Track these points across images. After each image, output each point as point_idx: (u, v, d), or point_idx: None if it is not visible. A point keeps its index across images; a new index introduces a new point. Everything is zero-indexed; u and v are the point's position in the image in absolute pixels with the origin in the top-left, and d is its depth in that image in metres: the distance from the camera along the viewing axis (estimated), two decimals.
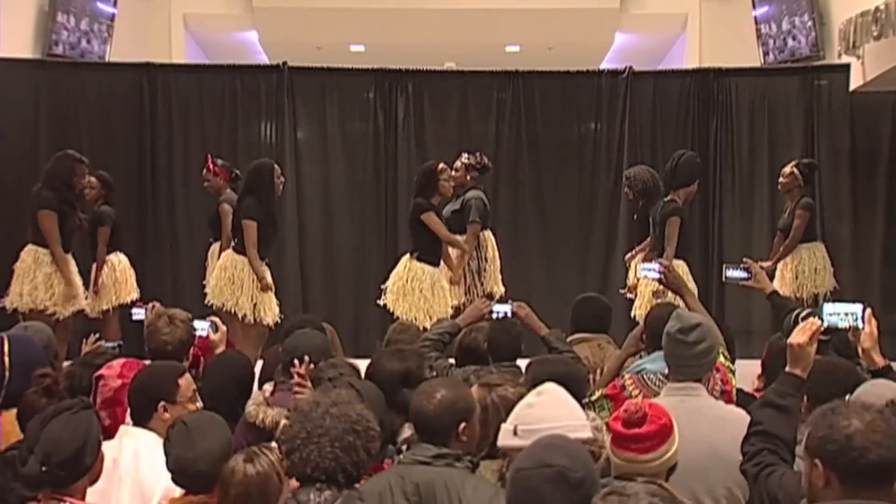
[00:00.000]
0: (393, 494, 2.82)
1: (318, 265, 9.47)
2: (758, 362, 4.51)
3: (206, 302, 6.81)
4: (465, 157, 7.57)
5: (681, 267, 6.79)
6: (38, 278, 6.80)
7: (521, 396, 3.12)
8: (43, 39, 9.24)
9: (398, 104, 9.56)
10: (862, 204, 9.17)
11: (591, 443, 2.80)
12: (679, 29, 11.67)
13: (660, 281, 4.58)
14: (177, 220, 9.32)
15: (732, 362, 4.04)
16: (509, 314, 4.67)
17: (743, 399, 3.91)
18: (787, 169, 7.92)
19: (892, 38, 7.71)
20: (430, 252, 7.04)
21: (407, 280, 6.97)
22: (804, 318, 3.37)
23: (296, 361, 3.87)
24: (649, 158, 9.09)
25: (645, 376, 3.83)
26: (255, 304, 6.77)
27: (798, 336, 3.03)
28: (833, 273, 7.97)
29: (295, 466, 2.56)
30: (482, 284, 7.52)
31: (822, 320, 3.22)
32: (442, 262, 7.21)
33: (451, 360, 4.64)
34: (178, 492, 3.01)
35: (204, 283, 7.57)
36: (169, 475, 3.00)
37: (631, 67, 9.67)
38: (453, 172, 7.38)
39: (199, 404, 3.50)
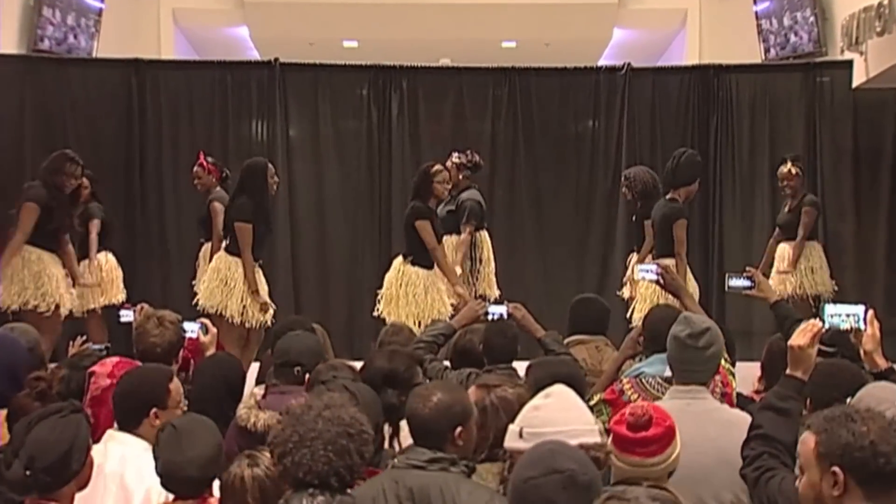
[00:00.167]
0: (387, 499, 2.82)
1: (310, 266, 9.47)
2: (758, 364, 4.54)
3: (196, 304, 6.82)
4: (455, 157, 7.59)
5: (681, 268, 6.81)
6: (25, 277, 6.79)
7: (520, 397, 3.13)
8: (28, 35, 9.21)
9: (392, 101, 9.56)
10: (865, 203, 9.19)
11: (598, 448, 2.79)
12: (678, 25, 11.69)
13: (658, 283, 4.59)
14: (166, 219, 9.31)
15: (733, 364, 4.05)
16: (505, 316, 4.68)
17: (742, 402, 3.92)
18: (786, 170, 7.95)
19: (895, 34, 7.74)
20: (424, 256, 7.03)
21: (401, 285, 6.97)
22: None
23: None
24: (648, 157, 9.11)
25: (644, 380, 3.83)
26: (244, 307, 6.78)
27: (799, 338, 3.03)
28: (830, 274, 8.01)
29: (287, 471, 2.55)
30: (475, 286, 7.54)
31: (824, 322, 3.22)
32: (436, 267, 7.22)
33: (447, 363, 4.65)
34: (157, 499, 3.00)
35: (193, 282, 7.58)
36: (153, 483, 2.99)
37: (629, 64, 9.69)
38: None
39: (185, 407, 3.49)
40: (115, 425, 3.39)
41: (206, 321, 4.82)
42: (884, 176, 9.21)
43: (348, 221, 9.53)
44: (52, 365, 4.45)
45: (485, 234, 7.77)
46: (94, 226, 7.64)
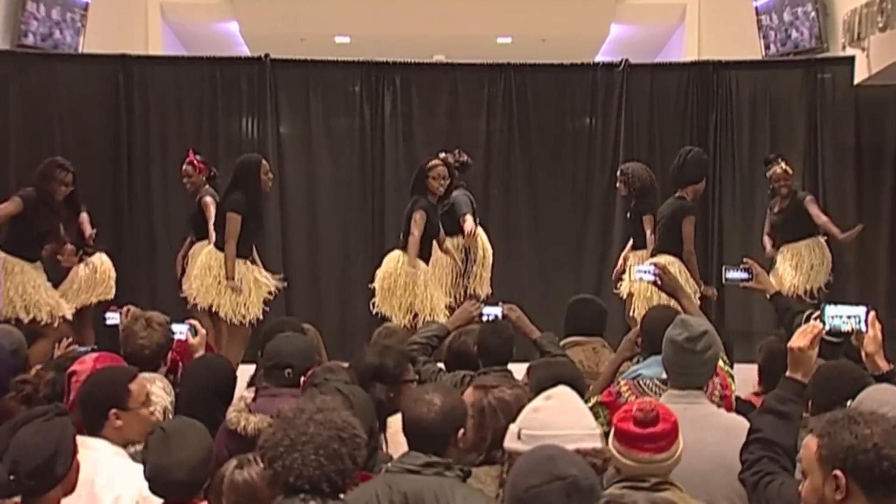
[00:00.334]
0: None
1: (302, 265, 9.45)
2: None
3: (190, 300, 6.82)
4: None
5: (674, 265, 6.83)
6: (10, 290, 6.76)
7: (518, 398, 3.14)
8: (12, 30, 9.15)
9: (385, 98, 9.56)
10: (867, 202, 9.19)
11: (595, 454, 2.78)
12: (677, 20, 11.70)
13: (655, 283, 4.60)
14: (154, 218, 9.29)
15: (731, 366, 4.05)
16: (500, 317, 4.68)
17: (741, 407, 3.92)
18: (780, 170, 8.02)
19: None
20: (423, 249, 7.04)
21: (399, 275, 6.96)
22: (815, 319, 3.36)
23: None
24: (646, 155, 9.12)
25: (641, 382, 3.84)
26: (237, 303, 6.79)
27: (798, 340, 3.04)
28: (831, 270, 8.08)
29: (277, 475, 2.55)
30: (467, 286, 7.54)
31: (824, 323, 3.22)
32: (432, 263, 7.22)
33: (441, 365, 4.65)
34: None
35: (182, 279, 7.56)
36: (123, 491, 2.98)
37: (627, 60, 9.70)
38: None
39: (154, 408, 3.48)
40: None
41: (195, 322, 4.81)
42: (886, 175, 9.22)
43: (340, 220, 9.52)
44: (38, 366, 4.44)
45: (482, 233, 7.76)
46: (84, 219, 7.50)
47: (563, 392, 2.93)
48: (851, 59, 8.92)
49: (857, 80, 8.91)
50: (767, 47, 10.00)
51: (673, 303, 4.55)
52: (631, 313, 7.47)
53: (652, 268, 4.61)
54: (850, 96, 9.16)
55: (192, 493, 2.91)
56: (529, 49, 11.49)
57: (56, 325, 6.80)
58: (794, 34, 9.76)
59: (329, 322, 8.59)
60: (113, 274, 7.74)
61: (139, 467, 3.07)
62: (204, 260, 6.95)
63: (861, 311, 3.35)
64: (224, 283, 6.77)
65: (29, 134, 8.94)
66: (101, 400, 3.33)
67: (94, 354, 3.73)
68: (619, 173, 8.06)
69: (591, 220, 9.58)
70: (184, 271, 7.58)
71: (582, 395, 3.69)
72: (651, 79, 9.70)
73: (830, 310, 3.31)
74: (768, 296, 4.76)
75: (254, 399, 3.89)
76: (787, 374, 3.05)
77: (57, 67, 9.31)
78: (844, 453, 2.33)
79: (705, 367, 3.45)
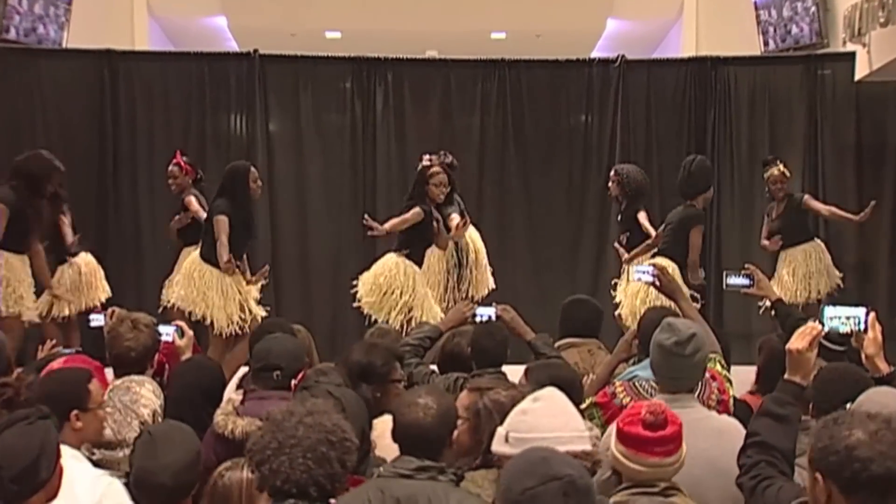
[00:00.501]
0: None
1: (292, 265, 9.45)
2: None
3: (165, 301, 6.80)
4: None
5: (671, 268, 6.85)
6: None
7: (514, 399, 3.13)
8: None
9: (377, 94, 9.56)
10: (867, 200, 9.18)
11: (585, 456, 2.77)
12: (674, 15, 11.71)
13: (654, 285, 4.61)
14: (140, 218, 9.28)
15: (728, 369, 4.06)
16: (493, 318, 4.68)
17: (735, 406, 3.93)
18: (777, 172, 8.07)
19: None
20: (416, 252, 7.09)
21: (394, 276, 6.96)
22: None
23: None
24: (643, 153, 9.14)
25: (637, 384, 3.84)
26: (226, 315, 6.78)
27: (797, 341, 3.03)
28: (835, 270, 8.12)
29: (265, 479, 2.55)
30: (460, 287, 7.53)
31: (823, 324, 3.21)
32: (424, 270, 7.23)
33: (433, 367, 4.65)
34: None
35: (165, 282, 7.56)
36: (85, 495, 2.97)
37: (623, 56, 9.71)
38: None
39: (109, 409, 3.46)
40: None
41: (182, 324, 4.81)
42: (887, 172, 9.25)
43: (331, 219, 9.52)
44: (19, 369, 4.43)
45: (473, 233, 7.75)
46: (65, 221, 7.49)
47: (551, 394, 2.92)
48: (852, 55, 8.94)
49: (857, 77, 8.93)
50: (766, 43, 10.02)
51: (672, 305, 4.57)
52: (619, 311, 7.53)
53: (651, 269, 4.62)
54: (851, 93, 9.19)
55: (177, 498, 2.90)
56: (524, 44, 11.50)
57: (12, 319, 6.76)
58: (794, 29, 9.78)
59: (319, 323, 8.58)
60: (101, 274, 7.72)
61: (98, 472, 3.07)
62: (187, 268, 6.91)
63: (861, 311, 3.34)
64: (207, 293, 6.74)
65: (12, 130, 8.93)
66: (63, 401, 3.33)
67: (64, 357, 3.71)
68: (612, 173, 8.08)
69: (587, 220, 9.59)
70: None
71: (580, 397, 3.70)
72: (648, 75, 9.71)
73: (829, 310, 3.30)
74: (769, 302, 4.76)
75: (242, 402, 3.89)
76: (786, 376, 3.04)
77: (40, 63, 9.30)
78: (819, 454, 2.31)
79: (695, 371, 3.45)
